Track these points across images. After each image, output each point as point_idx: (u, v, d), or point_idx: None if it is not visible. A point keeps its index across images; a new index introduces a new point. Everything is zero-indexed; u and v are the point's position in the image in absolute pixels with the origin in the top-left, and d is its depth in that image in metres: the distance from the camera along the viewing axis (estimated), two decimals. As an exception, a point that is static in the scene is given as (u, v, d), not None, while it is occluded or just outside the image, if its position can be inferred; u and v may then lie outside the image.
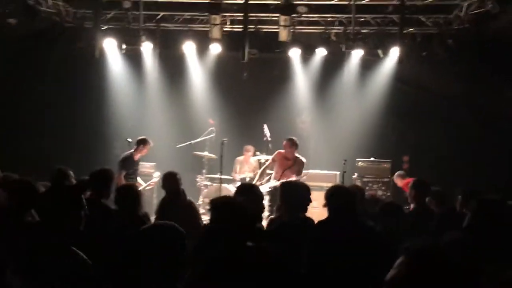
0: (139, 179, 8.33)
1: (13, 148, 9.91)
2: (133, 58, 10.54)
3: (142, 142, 8.21)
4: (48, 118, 10.48)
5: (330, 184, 9.48)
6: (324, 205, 4.01)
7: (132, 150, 8.21)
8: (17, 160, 8.74)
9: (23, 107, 10.44)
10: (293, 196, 4.44)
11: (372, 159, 9.96)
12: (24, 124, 10.43)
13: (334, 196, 3.90)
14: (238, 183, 9.61)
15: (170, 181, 5.65)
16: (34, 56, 10.19)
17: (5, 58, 9.98)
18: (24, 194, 3.64)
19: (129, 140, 8.44)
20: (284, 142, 8.46)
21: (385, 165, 9.85)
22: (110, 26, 10.00)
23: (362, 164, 9.91)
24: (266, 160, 9.39)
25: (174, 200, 5.54)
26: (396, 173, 9.23)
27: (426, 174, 8.20)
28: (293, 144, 8.40)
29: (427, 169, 8.91)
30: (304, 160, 8.58)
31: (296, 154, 8.47)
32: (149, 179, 9.02)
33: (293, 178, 7.99)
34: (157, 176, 8.99)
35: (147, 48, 10.07)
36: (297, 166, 8.38)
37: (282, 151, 8.53)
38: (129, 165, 8.04)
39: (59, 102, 10.50)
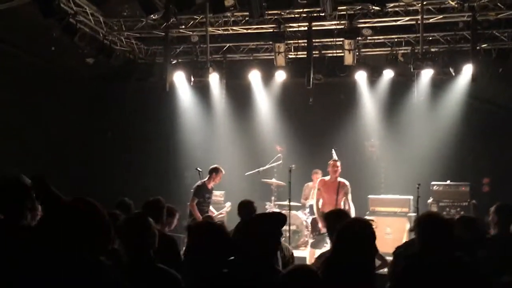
0: (211, 208, 8.45)
1: (91, 180, 10.46)
2: (202, 90, 10.89)
3: (215, 171, 8.37)
4: (121, 148, 11.00)
5: (404, 210, 9.28)
6: (411, 230, 3.77)
7: (205, 179, 8.38)
8: (95, 192, 9.20)
9: (101, 140, 11.05)
10: None
11: (448, 182, 9.46)
12: (103, 156, 11.00)
13: (428, 224, 3.24)
14: (308, 209, 9.58)
15: (246, 208, 5.70)
16: (110, 91, 10.82)
17: (85, 94, 10.69)
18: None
19: (199, 169, 8.61)
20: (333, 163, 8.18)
21: (463, 188, 9.28)
22: (179, 60, 10.43)
23: (437, 187, 9.43)
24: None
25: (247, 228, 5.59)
26: None
27: (508, 198, 7.67)
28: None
29: (509, 191, 8.30)
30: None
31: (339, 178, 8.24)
32: (219, 207, 9.13)
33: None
34: (228, 205, 9.10)
35: (214, 79, 10.36)
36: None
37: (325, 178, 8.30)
38: (202, 193, 8.20)
39: (134, 134, 11.03)
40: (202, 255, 2.83)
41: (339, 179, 8.19)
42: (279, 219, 3.10)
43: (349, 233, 2.95)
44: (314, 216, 8.35)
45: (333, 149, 9.22)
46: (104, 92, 10.86)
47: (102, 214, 2.28)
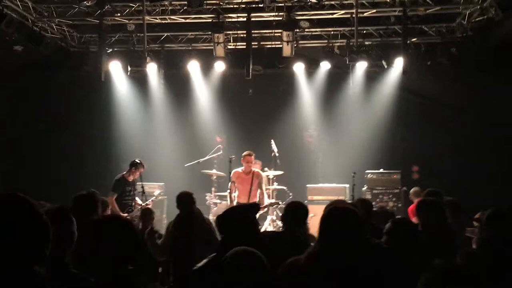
0: (136, 199, 8.29)
1: (23, 172, 9.99)
2: (139, 80, 10.63)
3: (134, 165, 8.22)
4: (55, 140, 10.56)
5: (340, 198, 9.60)
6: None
7: (124, 172, 8.25)
8: (27, 184, 8.79)
9: (32, 131, 10.55)
10: None
11: (381, 170, 9.89)
12: (33, 147, 10.51)
13: (328, 221, 2.95)
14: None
15: (185, 201, 5.67)
16: (41, 81, 10.31)
17: (12, 84, 10.11)
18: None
19: (137, 161, 8.44)
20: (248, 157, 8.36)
21: (395, 176, 9.77)
22: (115, 49, 10.11)
23: (371, 176, 9.85)
24: (274, 176, 9.38)
25: (188, 219, 5.56)
26: (412, 190, 8.66)
27: (435, 184, 8.14)
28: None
29: (436, 179, 8.82)
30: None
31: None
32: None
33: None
34: (157, 193, 9.02)
35: (152, 69, 10.15)
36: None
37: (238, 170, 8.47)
38: (120, 187, 8.05)
39: (67, 124, 10.61)
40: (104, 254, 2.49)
41: (254, 169, 8.44)
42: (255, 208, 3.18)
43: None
44: None
45: (271, 140, 9.37)
46: (35, 82, 10.32)
47: (37, 213, 1.94)
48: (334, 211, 3.01)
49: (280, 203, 8.78)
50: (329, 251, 2.81)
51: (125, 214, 7.65)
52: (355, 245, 2.80)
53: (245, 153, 8.44)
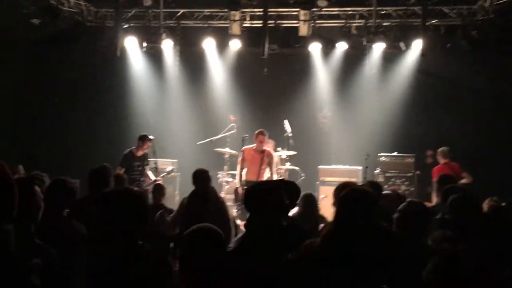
0: (150, 174, 8.35)
1: (37, 147, 10.12)
2: (154, 56, 10.62)
3: (141, 139, 8.27)
4: (70, 116, 10.66)
5: (352, 180, 9.56)
6: (334, 204, 3.80)
7: (133, 147, 8.30)
8: (44, 157, 8.92)
9: (46, 105, 10.65)
10: None
11: (395, 153, 9.81)
12: (47, 122, 10.63)
13: (343, 202, 3.01)
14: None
15: (200, 178, 5.70)
16: (56, 55, 10.36)
17: (29, 57, 10.18)
18: (60, 194, 3.66)
19: (151, 137, 8.48)
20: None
21: (409, 159, 9.67)
22: (131, 25, 10.09)
23: (384, 159, 9.77)
24: (287, 156, 9.37)
25: (201, 196, 5.59)
26: (440, 149, 8.46)
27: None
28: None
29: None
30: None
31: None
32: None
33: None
34: (168, 170, 9.04)
35: (167, 46, 10.12)
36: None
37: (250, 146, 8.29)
38: (128, 161, 8.11)
39: (81, 100, 10.68)
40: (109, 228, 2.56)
41: (265, 148, 8.25)
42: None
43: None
44: (237, 186, 8.36)
45: (285, 120, 9.33)
46: (51, 56, 10.37)
47: (6, 174, 2.01)
48: (351, 192, 3.02)
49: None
50: (341, 233, 2.84)
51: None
52: (366, 228, 2.82)
53: (258, 131, 8.25)
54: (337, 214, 2.97)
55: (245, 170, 8.28)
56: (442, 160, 8.35)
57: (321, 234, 2.99)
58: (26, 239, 2.60)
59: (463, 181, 7.83)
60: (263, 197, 3.07)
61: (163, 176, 8.41)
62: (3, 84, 9.66)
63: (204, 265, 2.50)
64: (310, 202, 5.48)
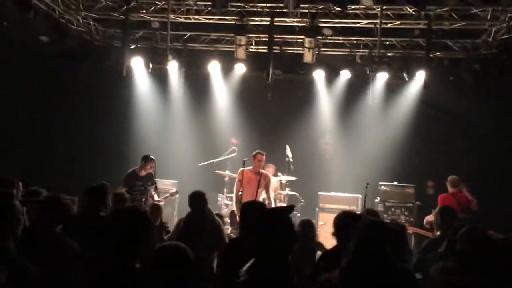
0: (154, 194, 8.33)
1: (40, 163, 10.13)
2: (160, 77, 10.73)
3: (143, 159, 8.30)
4: (75, 133, 10.70)
5: (352, 208, 9.52)
6: (333, 234, 3.75)
7: (137, 167, 8.32)
8: (44, 175, 8.92)
9: (51, 122, 10.70)
10: None
11: (395, 183, 9.79)
12: (52, 139, 10.66)
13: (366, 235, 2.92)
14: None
15: (197, 200, 5.70)
16: (63, 73, 10.46)
17: (36, 74, 10.28)
18: (54, 210, 3.69)
19: (152, 157, 8.50)
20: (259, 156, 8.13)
21: (409, 190, 9.63)
22: (138, 45, 10.23)
23: (385, 188, 9.73)
24: (287, 182, 9.36)
25: (199, 219, 5.58)
26: (450, 177, 8.22)
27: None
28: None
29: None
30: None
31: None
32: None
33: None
34: (172, 192, 9.04)
35: (173, 67, 10.24)
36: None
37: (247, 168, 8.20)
38: (130, 181, 8.12)
39: (86, 118, 10.75)
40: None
41: (262, 170, 8.21)
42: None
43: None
44: (233, 209, 8.30)
45: (286, 146, 9.36)
46: (57, 73, 10.48)
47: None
48: (373, 227, 2.92)
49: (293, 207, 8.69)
50: (361, 269, 2.77)
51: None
52: (386, 266, 2.79)
53: (256, 151, 8.22)
54: (357, 247, 2.87)
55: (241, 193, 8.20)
56: (450, 189, 8.12)
57: (340, 268, 2.89)
58: (2, 251, 2.60)
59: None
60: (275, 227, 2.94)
61: (165, 197, 8.40)
62: (9, 96, 9.72)
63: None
64: (308, 229, 5.45)
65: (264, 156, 8.19)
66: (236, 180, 8.30)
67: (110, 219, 2.73)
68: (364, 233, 2.92)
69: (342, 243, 3.68)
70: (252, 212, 4.03)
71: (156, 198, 8.24)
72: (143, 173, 8.28)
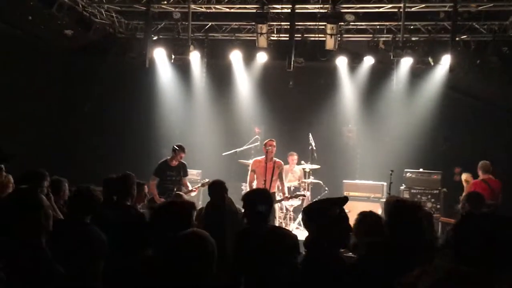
0: (188, 184, 8.41)
1: (66, 153, 10.34)
2: (182, 67, 10.79)
3: (173, 150, 8.37)
4: (98, 124, 10.89)
5: (377, 195, 9.46)
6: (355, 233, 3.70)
7: (168, 157, 8.39)
8: (70, 165, 9.11)
9: (76, 114, 10.90)
10: None
11: (421, 170, 9.65)
12: (77, 130, 10.87)
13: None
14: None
15: (216, 189, 5.74)
16: (88, 66, 10.63)
17: (61, 67, 10.47)
18: (84, 202, 3.75)
19: (176, 146, 8.56)
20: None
21: (435, 176, 9.49)
22: (160, 37, 10.29)
23: (410, 175, 9.62)
24: (311, 170, 9.33)
25: (217, 207, 5.62)
26: (481, 162, 7.89)
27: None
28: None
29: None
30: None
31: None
32: (195, 186, 9.12)
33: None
34: (205, 181, 9.10)
35: (195, 57, 10.27)
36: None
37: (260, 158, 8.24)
38: (162, 171, 8.19)
39: (110, 109, 10.90)
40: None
41: (275, 159, 8.18)
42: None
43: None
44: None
45: (309, 134, 9.32)
46: (82, 66, 10.65)
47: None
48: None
49: (305, 195, 8.70)
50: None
51: (162, 198, 7.81)
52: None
53: (268, 140, 8.28)
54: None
55: (255, 183, 8.21)
56: (482, 175, 7.82)
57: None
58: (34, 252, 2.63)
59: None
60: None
61: (197, 187, 8.49)
62: (36, 90, 9.94)
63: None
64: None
65: (274, 142, 8.18)
66: (250, 171, 8.31)
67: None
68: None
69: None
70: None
71: (189, 187, 8.33)
72: (175, 163, 8.33)
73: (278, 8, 9.29)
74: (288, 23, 9.26)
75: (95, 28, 9.65)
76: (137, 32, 10.50)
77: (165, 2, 9.40)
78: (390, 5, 8.85)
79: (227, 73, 10.93)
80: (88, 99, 10.90)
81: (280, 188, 8.30)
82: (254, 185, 8.15)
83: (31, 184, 4.09)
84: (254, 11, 9.26)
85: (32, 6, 8.22)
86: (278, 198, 8.28)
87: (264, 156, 8.16)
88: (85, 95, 10.93)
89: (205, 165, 10.35)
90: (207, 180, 9.18)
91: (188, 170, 8.49)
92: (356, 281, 2.89)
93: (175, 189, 8.16)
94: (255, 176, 8.21)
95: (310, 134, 9.30)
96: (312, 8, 9.15)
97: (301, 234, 5.28)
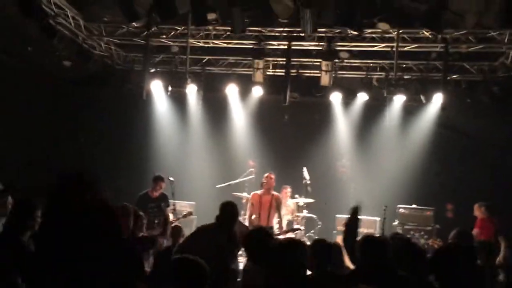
0: (171, 216, 8.32)
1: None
2: (178, 99, 10.90)
3: (153, 180, 8.35)
4: (94, 155, 10.88)
5: (370, 231, 9.45)
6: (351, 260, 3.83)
7: (149, 189, 8.37)
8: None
9: (74, 144, 10.91)
10: None
11: (414, 206, 9.70)
12: (74, 161, 10.84)
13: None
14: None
15: (230, 208, 5.64)
16: (86, 96, 10.72)
17: (60, 97, 10.54)
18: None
19: (171, 179, 8.59)
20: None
21: (428, 212, 9.54)
22: (158, 69, 10.44)
23: (403, 211, 9.66)
24: (304, 204, 9.34)
25: (226, 231, 5.54)
26: (488, 204, 8.18)
27: (471, 223, 7.95)
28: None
29: (471, 217, 8.58)
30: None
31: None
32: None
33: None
34: (186, 212, 9.02)
35: (192, 90, 10.40)
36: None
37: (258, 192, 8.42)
38: (143, 203, 8.09)
39: (107, 139, 10.93)
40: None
41: (273, 192, 8.33)
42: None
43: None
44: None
45: (304, 168, 9.38)
46: (79, 96, 10.75)
47: None
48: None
49: (301, 229, 8.71)
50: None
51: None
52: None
53: (267, 174, 8.52)
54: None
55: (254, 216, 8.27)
56: (487, 215, 8.05)
57: None
58: None
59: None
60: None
61: (178, 218, 8.42)
62: (33, 120, 9.97)
63: None
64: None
65: (273, 176, 8.42)
66: (249, 204, 8.35)
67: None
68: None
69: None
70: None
71: (171, 218, 8.24)
72: (156, 194, 8.30)
73: (274, 45, 9.51)
74: (284, 59, 9.46)
75: (94, 59, 9.79)
76: (135, 64, 10.65)
77: (164, 36, 9.59)
78: (383, 44, 9.09)
79: (223, 106, 11.05)
80: (84, 129, 10.94)
81: (277, 220, 8.33)
82: (253, 219, 8.20)
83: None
84: (251, 46, 9.48)
85: (32, 37, 8.35)
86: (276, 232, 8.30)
87: (262, 190, 8.30)
88: (81, 125, 10.98)
89: (199, 197, 10.33)
90: (188, 211, 9.17)
91: (174, 201, 8.44)
92: None
93: (156, 221, 8.07)
94: (253, 209, 8.30)
95: (304, 168, 9.37)
96: (307, 45, 9.38)
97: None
